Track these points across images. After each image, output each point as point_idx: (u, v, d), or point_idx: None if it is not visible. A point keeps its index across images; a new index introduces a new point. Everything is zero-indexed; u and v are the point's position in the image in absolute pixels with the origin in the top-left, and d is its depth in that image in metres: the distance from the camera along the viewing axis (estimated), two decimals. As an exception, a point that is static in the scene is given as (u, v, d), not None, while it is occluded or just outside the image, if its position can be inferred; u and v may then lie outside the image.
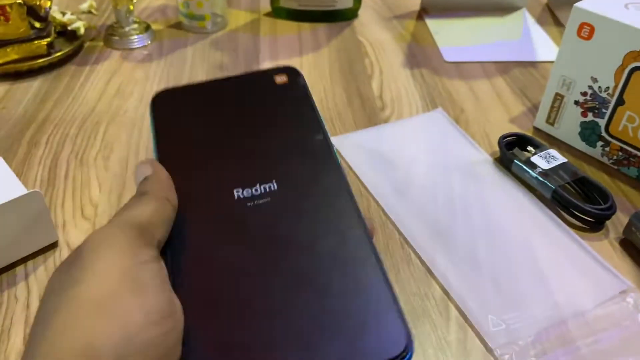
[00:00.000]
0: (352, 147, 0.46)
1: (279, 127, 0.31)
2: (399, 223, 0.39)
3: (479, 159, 0.46)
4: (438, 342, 0.32)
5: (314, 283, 0.24)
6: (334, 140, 0.47)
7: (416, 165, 0.45)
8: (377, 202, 0.41)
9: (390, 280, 0.24)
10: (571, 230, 0.39)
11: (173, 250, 0.25)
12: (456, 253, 0.37)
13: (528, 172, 0.42)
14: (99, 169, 0.44)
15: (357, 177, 0.44)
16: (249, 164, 0.29)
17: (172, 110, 0.33)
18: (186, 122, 0.32)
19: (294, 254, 0.25)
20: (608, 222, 0.40)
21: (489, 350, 0.32)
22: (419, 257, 0.37)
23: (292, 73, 0.34)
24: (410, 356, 0.21)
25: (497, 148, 0.47)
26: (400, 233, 0.39)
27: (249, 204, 0.27)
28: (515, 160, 0.43)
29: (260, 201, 0.27)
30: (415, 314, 0.34)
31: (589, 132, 0.45)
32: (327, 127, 0.45)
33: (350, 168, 0.44)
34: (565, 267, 0.37)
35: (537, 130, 0.49)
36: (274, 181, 0.28)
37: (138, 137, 0.48)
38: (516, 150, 0.45)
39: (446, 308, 0.34)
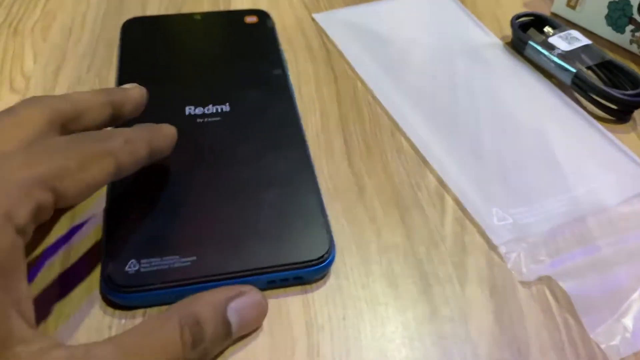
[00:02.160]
0: (339, 24, 0.39)
1: (241, 60, 0.34)
2: (390, 107, 0.33)
3: (488, 42, 0.39)
4: (430, 237, 0.27)
5: (250, 193, 0.26)
6: (318, 16, 0.40)
7: (414, 47, 0.38)
8: (365, 85, 0.35)
9: (321, 193, 0.26)
10: (594, 120, 0.33)
11: None
12: (457, 141, 0.31)
13: (545, 55, 0.35)
14: (36, 39, 0.37)
15: (343, 57, 0.37)
16: (205, 87, 0.31)
17: (140, 37, 0.35)
18: (152, 48, 0.34)
19: (234, 166, 0.27)
20: (636, 113, 0.34)
21: (492, 247, 0.26)
22: (412, 145, 0.31)
23: (262, 15, 0.38)
24: (331, 261, 0.24)
25: (508, 33, 0.40)
26: (390, 118, 0.33)
27: (198, 120, 0.29)
28: (530, 42, 0.36)
29: (210, 119, 0.29)
30: (403, 205, 0.28)
31: (617, 14, 0.38)
32: (311, 2, 0.42)
33: (336, 48, 0.37)
34: (585, 158, 0.31)
35: (555, 16, 0.42)
36: (227, 104, 0.30)
37: (86, 6, 0.40)
38: (531, 32, 0.38)
39: (441, 200, 0.28)
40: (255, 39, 0.36)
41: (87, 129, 0.23)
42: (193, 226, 0.24)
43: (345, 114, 0.33)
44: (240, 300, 0.21)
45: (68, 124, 0.22)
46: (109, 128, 0.22)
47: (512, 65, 0.37)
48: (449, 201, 0.28)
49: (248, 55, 0.34)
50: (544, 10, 0.43)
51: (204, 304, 0.21)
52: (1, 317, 0.16)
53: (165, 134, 0.24)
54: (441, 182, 0.29)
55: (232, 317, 0.21)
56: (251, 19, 0.37)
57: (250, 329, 0.22)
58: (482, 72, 0.36)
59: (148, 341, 0.19)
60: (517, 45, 0.38)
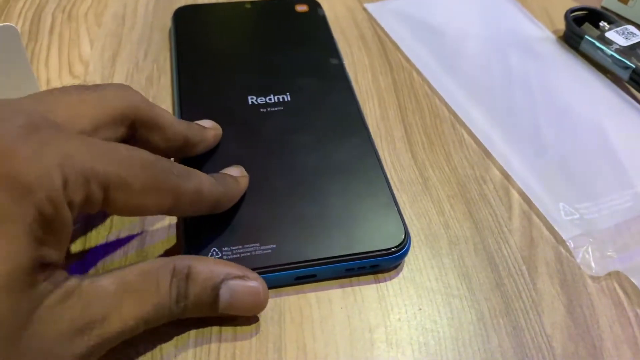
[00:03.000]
0: (392, 15, 0.39)
1: (296, 49, 0.34)
2: (449, 99, 0.33)
3: (540, 36, 0.39)
4: (499, 230, 0.27)
5: (320, 181, 0.26)
6: (370, 6, 0.40)
7: (466, 39, 0.38)
8: (421, 75, 0.35)
9: (390, 183, 0.27)
10: (652, 116, 0.33)
11: None
12: (518, 134, 0.31)
13: (602, 50, 0.35)
14: (91, 25, 0.37)
15: (397, 48, 0.37)
16: (265, 77, 0.31)
17: (193, 25, 0.35)
18: (206, 37, 0.34)
19: (302, 155, 0.27)
20: (694, 111, 0.34)
21: (560, 241, 0.27)
22: (474, 138, 0.31)
23: (313, 4, 0.37)
24: (407, 250, 0.24)
25: (559, 26, 0.40)
26: (450, 110, 0.33)
27: (262, 109, 0.30)
28: (586, 36, 0.36)
29: (273, 109, 0.30)
30: (470, 198, 0.28)
31: (672, 10, 0.38)
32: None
33: (389, 38, 0.37)
34: (647, 155, 0.31)
35: (605, 10, 0.42)
36: (287, 93, 0.30)
37: (137, -8, 0.40)
38: (586, 26, 0.38)
39: (507, 194, 0.29)
40: (307, 28, 0.36)
41: (150, 143, 0.23)
42: (270, 214, 0.25)
43: (403, 104, 0.33)
44: (239, 282, 0.21)
45: (140, 126, 0.22)
46: (189, 168, 0.22)
47: (566, 59, 0.37)
48: (515, 195, 0.28)
49: (303, 44, 0.34)
50: (594, 5, 0.42)
51: (201, 267, 0.21)
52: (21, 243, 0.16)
53: (237, 193, 0.24)
54: (506, 176, 0.29)
55: (224, 293, 0.21)
56: (302, 8, 0.37)
57: (240, 312, 0.22)
58: (536, 66, 0.36)
59: (143, 281, 0.19)
60: (571, 40, 0.37)
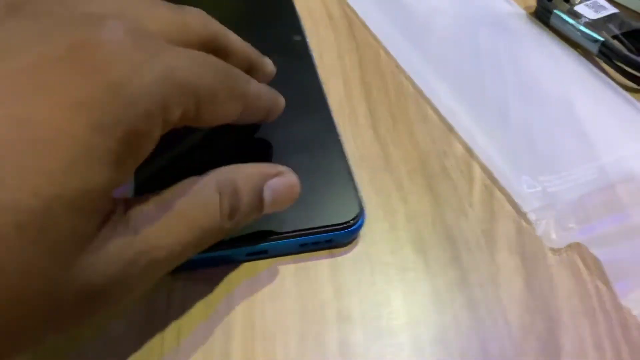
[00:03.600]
0: (359, -7, 0.39)
1: (259, 26, 0.33)
2: (415, 76, 0.33)
3: (511, 11, 0.38)
4: (459, 204, 0.26)
5: (278, 158, 0.26)
6: (337, -15, 0.39)
7: (436, 16, 0.37)
8: (388, 54, 0.34)
9: (349, 159, 0.26)
10: (621, 89, 0.32)
11: None
12: (483, 109, 0.31)
13: (571, 24, 0.35)
14: None
15: (365, 26, 0.36)
16: None
17: None
18: None
19: (260, 132, 0.27)
20: (665, 83, 0.33)
21: (521, 214, 0.26)
22: (438, 113, 0.31)
23: None
24: (361, 224, 0.24)
25: (531, 3, 0.39)
26: (415, 87, 0.32)
27: None
28: (555, 10, 0.36)
29: None
30: (431, 173, 0.28)
31: (645, -17, 0.38)
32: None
33: (357, 16, 0.37)
34: (613, 127, 0.30)
35: (579, -14, 0.41)
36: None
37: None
38: (556, 1, 0.37)
39: (469, 167, 0.28)
40: (271, 5, 0.35)
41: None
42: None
43: (368, 82, 0.33)
44: (277, 180, 0.21)
45: (213, 51, 0.21)
46: (245, 74, 0.22)
47: (536, 34, 0.36)
48: (477, 169, 0.28)
49: (265, 22, 0.34)
50: (568, -20, 0.42)
51: (243, 176, 0.20)
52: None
53: (281, 106, 0.24)
54: (469, 150, 0.29)
55: (267, 195, 0.21)
56: None
57: (279, 208, 0.22)
58: (506, 41, 0.35)
59: (189, 203, 0.18)
60: (542, 15, 0.37)
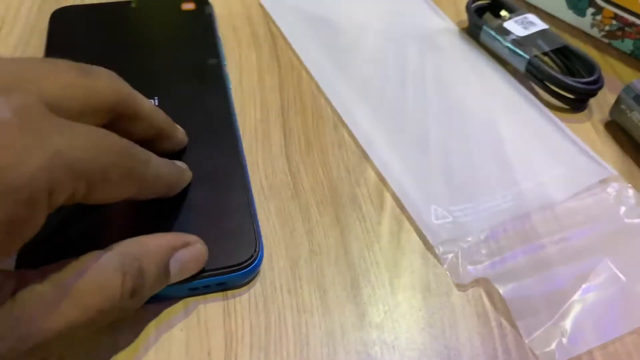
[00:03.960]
0: (287, 11, 0.37)
1: (174, 50, 0.32)
2: (334, 99, 0.31)
3: (443, 27, 0.37)
4: (365, 236, 0.25)
5: (173, 195, 0.23)
6: (266, 2, 0.38)
7: (365, 34, 0.36)
8: (310, 75, 0.33)
9: (252, 192, 0.25)
10: (547, 109, 0.32)
11: None
12: (402, 134, 0.30)
13: (499, 40, 0.34)
14: (-35, 30, 0.35)
15: (289, 46, 0.35)
16: (135, 79, 0.25)
17: (70, 27, 0.33)
18: (81, 38, 0.33)
19: None
20: (592, 102, 0.33)
21: (429, 247, 0.25)
22: (354, 139, 0.30)
23: (200, 2, 0.35)
24: (256, 266, 0.23)
25: (465, 16, 0.38)
26: (333, 111, 0.31)
27: None
28: (484, 27, 0.35)
29: None
30: (341, 203, 0.26)
31: (578, -3, 0.37)
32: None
33: (283, 36, 0.36)
34: (535, 151, 0.29)
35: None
36: (156, 97, 0.28)
37: (20, -6, 0.38)
38: (487, 16, 0.36)
39: (381, 197, 0.27)
40: (190, 27, 0.34)
41: (126, 131, 0.21)
42: (112, 228, 0.23)
43: (286, 105, 0.31)
44: (184, 252, 0.21)
45: (121, 117, 0.21)
46: (148, 151, 0.21)
47: (466, 52, 0.35)
48: (388, 198, 0.27)
49: (181, 45, 0.33)
50: (504, -7, 0.41)
51: (148, 253, 0.20)
52: None
53: (185, 181, 0.24)
54: (381, 179, 0.28)
55: (173, 267, 0.20)
56: (188, 6, 0.35)
57: (184, 277, 0.21)
58: (433, 60, 0.34)
59: (87, 284, 0.18)
60: (472, 31, 0.36)
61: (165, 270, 0.20)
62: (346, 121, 0.30)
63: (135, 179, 0.19)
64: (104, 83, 0.20)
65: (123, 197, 0.19)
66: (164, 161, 0.22)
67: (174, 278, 0.21)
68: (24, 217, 0.16)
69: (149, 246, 0.20)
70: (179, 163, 0.24)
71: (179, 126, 0.25)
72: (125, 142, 0.19)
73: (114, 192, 0.19)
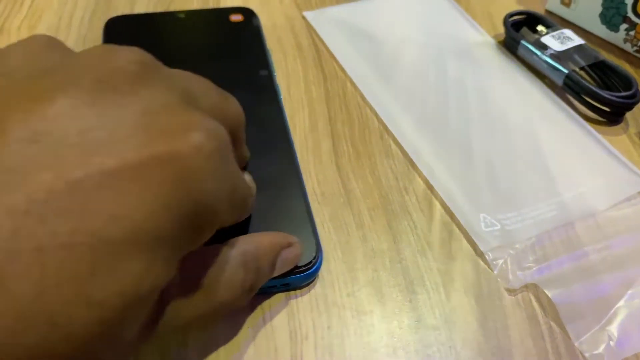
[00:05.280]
0: (329, 23, 0.39)
1: (225, 60, 0.33)
2: (379, 109, 0.33)
3: (480, 41, 0.38)
4: (417, 243, 0.26)
5: None
6: (309, 14, 0.39)
7: (405, 47, 0.37)
8: (354, 86, 0.34)
9: (309, 198, 0.26)
10: (584, 122, 0.33)
11: None
12: (446, 144, 0.31)
13: (537, 55, 0.35)
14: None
15: (333, 57, 0.36)
16: None
17: (123, 36, 0.35)
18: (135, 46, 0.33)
19: None
20: (628, 115, 0.34)
21: (479, 254, 0.26)
22: (401, 148, 0.31)
23: (248, 13, 0.37)
24: (317, 268, 0.24)
25: (501, 31, 0.39)
26: (379, 121, 0.32)
27: None
28: (522, 41, 0.36)
29: None
30: (391, 210, 0.28)
31: (612, 13, 0.38)
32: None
33: (326, 47, 0.37)
34: (575, 162, 0.30)
35: (549, 13, 0.42)
36: None
37: (73, 5, 0.40)
38: (524, 31, 0.38)
39: (429, 204, 0.28)
40: (240, 38, 0.35)
41: None
42: None
43: (334, 115, 0.33)
44: (289, 252, 0.22)
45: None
46: None
47: (504, 65, 0.36)
48: (437, 206, 0.28)
49: (233, 56, 0.34)
50: (538, 8, 0.42)
51: (264, 251, 0.21)
52: None
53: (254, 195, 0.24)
54: (429, 187, 0.29)
55: (278, 264, 0.22)
56: (236, 17, 0.37)
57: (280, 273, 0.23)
58: (473, 72, 0.36)
59: (214, 278, 0.18)
60: (510, 45, 0.37)
61: (273, 267, 0.21)
62: (392, 131, 0.31)
63: (245, 207, 0.20)
64: (234, 108, 0.21)
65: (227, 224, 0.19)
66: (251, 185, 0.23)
67: (275, 275, 0.22)
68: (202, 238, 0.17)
69: (264, 244, 0.21)
70: (248, 178, 0.24)
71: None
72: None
73: (225, 222, 0.18)
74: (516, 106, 0.33)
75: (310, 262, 0.24)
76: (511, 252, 0.26)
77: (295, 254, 0.23)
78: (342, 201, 0.28)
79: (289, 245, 0.22)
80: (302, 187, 0.27)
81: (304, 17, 0.39)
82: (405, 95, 0.34)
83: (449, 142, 0.31)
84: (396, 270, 0.25)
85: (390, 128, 0.32)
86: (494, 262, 0.26)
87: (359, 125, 0.32)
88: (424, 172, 0.29)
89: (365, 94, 0.34)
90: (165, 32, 0.36)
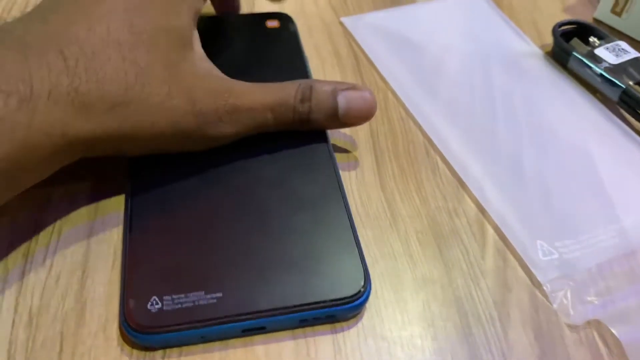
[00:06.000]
0: (368, 30, 0.37)
1: (263, 68, 0.32)
2: (424, 123, 0.31)
3: (527, 51, 0.36)
4: (470, 271, 0.25)
5: (278, 220, 0.24)
6: (347, 20, 0.38)
7: (447, 55, 0.36)
8: (396, 96, 0.33)
9: (354, 220, 0.25)
10: (643, 141, 0.31)
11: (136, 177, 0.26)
12: (496, 161, 0.29)
13: (591, 68, 0.33)
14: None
15: (373, 66, 0.35)
16: None
17: None
18: None
19: (260, 191, 0.25)
20: (688, 134, 0.32)
21: (536, 284, 0.24)
22: (448, 165, 0.29)
23: (284, 19, 0.35)
24: (366, 299, 0.22)
25: (548, 40, 0.37)
26: (424, 135, 0.31)
27: None
28: (574, 53, 0.34)
29: None
30: (441, 234, 0.26)
31: (667, 23, 0.36)
32: (339, 4, 0.40)
33: (365, 55, 0.35)
34: (635, 184, 0.29)
35: (597, 22, 0.40)
36: None
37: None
38: (574, 42, 0.36)
39: (481, 229, 0.26)
40: (277, 45, 0.34)
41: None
42: (219, 258, 0.23)
43: (375, 128, 0.31)
44: (350, 91, 0.26)
45: None
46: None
47: (553, 77, 0.34)
48: (490, 230, 0.26)
49: (270, 63, 0.32)
50: (586, 16, 0.40)
51: (320, 83, 0.26)
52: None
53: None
54: (481, 209, 0.27)
55: (342, 100, 0.26)
56: (272, 24, 0.35)
57: (356, 119, 0.27)
58: (521, 84, 0.34)
59: (272, 84, 0.26)
60: (559, 56, 0.35)
61: (333, 96, 0.26)
62: (438, 146, 0.30)
63: None
64: None
65: None
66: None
67: (343, 113, 0.26)
68: None
69: (320, 81, 0.27)
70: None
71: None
72: None
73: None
74: (569, 122, 0.32)
75: (359, 291, 0.22)
76: (571, 284, 0.24)
77: (360, 94, 0.26)
78: (388, 223, 0.26)
79: (350, 87, 0.26)
80: (347, 209, 0.25)
81: (341, 23, 0.38)
82: (450, 107, 0.32)
83: (498, 159, 0.29)
84: (449, 301, 0.24)
85: (436, 143, 0.30)
86: (553, 295, 0.24)
87: (403, 139, 0.30)
88: (474, 193, 0.28)
89: (408, 106, 0.32)
90: (202, 37, 0.34)
